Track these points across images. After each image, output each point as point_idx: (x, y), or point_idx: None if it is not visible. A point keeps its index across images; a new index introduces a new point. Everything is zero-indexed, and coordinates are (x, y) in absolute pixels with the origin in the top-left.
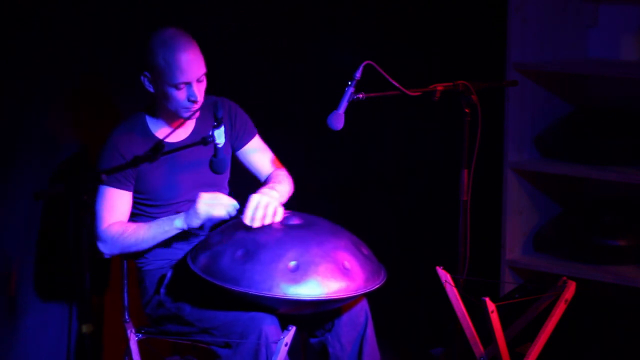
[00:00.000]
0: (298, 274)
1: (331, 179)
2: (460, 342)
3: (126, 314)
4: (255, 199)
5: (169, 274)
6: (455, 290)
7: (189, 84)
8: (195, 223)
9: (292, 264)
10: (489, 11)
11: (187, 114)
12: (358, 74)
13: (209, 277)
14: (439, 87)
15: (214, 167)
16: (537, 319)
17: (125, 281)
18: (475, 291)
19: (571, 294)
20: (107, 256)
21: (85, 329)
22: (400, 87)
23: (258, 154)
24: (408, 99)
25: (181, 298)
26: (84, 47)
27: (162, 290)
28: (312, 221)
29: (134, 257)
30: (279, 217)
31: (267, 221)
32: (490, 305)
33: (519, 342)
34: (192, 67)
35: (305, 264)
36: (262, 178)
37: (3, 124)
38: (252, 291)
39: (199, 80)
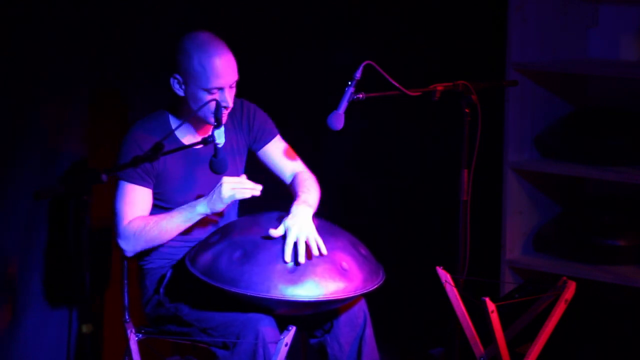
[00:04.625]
0: (296, 274)
1: (330, 178)
2: (460, 342)
3: (126, 314)
4: (293, 233)
5: (168, 274)
6: (455, 290)
7: (221, 90)
8: (219, 207)
9: (290, 264)
10: (489, 11)
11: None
12: (358, 74)
13: (207, 278)
14: (439, 87)
15: (214, 167)
16: (537, 319)
17: (126, 281)
18: (475, 291)
19: (571, 294)
20: (129, 254)
21: (85, 329)
22: (400, 87)
23: (279, 155)
24: (408, 99)
25: (180, 298)
26: (85, 47)
27: (161, 290)
28: None
29: (136, 257)
30: (322, 248)
31: (312, 254)
32: (490, 305)
33: (519, 342)
34: (227, 72)
35: (303, 265)
36: (285, 178)
37: (3, 124)
38: (250, 292)
39: (230, 87)
